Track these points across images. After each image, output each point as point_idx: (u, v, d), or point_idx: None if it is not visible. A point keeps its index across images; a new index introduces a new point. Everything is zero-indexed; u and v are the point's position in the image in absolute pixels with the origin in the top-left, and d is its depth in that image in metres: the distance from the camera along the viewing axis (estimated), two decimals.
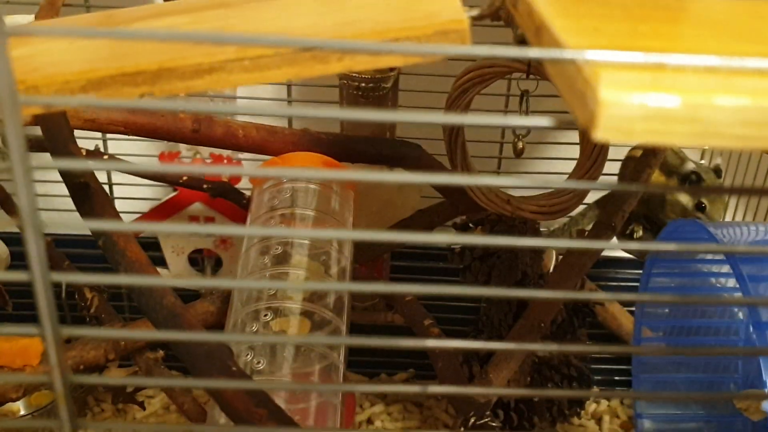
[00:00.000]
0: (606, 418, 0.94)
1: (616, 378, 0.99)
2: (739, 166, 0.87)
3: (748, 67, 0.21)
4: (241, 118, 0.75)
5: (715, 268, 0.79)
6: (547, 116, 0.22)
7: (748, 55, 0.22)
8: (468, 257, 0.70)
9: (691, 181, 0.77)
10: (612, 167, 0.77)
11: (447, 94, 0.69)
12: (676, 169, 0.78)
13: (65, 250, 0.80)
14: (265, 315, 0.56)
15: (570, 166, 0.71)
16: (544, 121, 0.21)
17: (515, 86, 0.73)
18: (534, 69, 0.63)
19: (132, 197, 0.89)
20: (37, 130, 0.58)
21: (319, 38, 0.24)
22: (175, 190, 0.85)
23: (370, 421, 0.93)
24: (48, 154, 0.56)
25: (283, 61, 0.30)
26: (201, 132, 0.64)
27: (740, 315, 0.78)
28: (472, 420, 0.51)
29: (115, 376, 0.65)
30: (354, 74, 0.76)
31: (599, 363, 0.96)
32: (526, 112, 0.67)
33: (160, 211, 0.85)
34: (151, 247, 0.88)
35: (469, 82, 0.66)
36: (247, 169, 0.51)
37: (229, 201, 0.80)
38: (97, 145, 0.80)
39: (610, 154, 0.68)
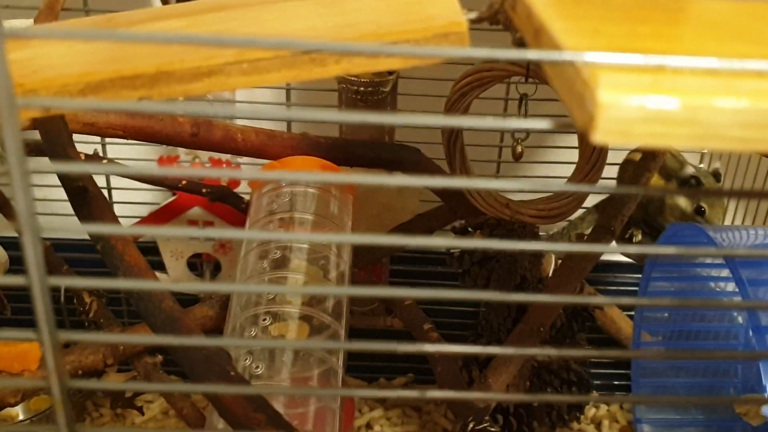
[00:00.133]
0: (605, 422, 0.94)
1: (616, 383, 0.99)
2: (738, 169, 0.87)
3: (747, 69, 0.21)
4: (239, 122, 0.75)
5: (714, 272, 0.79)
6: (545, 119, 0.21)
7: (748, 56, 0.22)
8: (467, 261, 0.70)
9: (690, 185, 0.77)
10: (610, 171, 0.77)
11: (446, 98, 0.69)
12: (675, 173, 0.78)
13: (64, 255, 0.80)
14: (264, 319, 0.56)
15: (569, 170, 0.71)
16: (543, 123, 0.21)
17: (514, 90, 0.73)
18: (533, 72, 0.63)
19: (131, 202, 0.89)
20: (36, 134, 0.58)
21: (317, 41, 0.24)
22: (174, 194, 0.85)
23: (369, 425, 0.93)
24: (46, 158, 0.56)
25: (281, 63, 0.30)
26: (200, 136, 0.64)
27: (740, 319, 0.78)
28: (471, 425, 0.51)
29: (114, 381, 0.65)
30: (353, 78, 0.76)
31: (599, 367, 0.96)
32: (525, 116, 0.68)
33: (159, 216, 0.85)
34: (150, 251, 0.88)
35: (468, 86, 0.66)
36: (245, 172, 0.51)
37: (228, 205, 0.80)
38: (96, 149, 0.80)
39: (609, 158, 0.68)
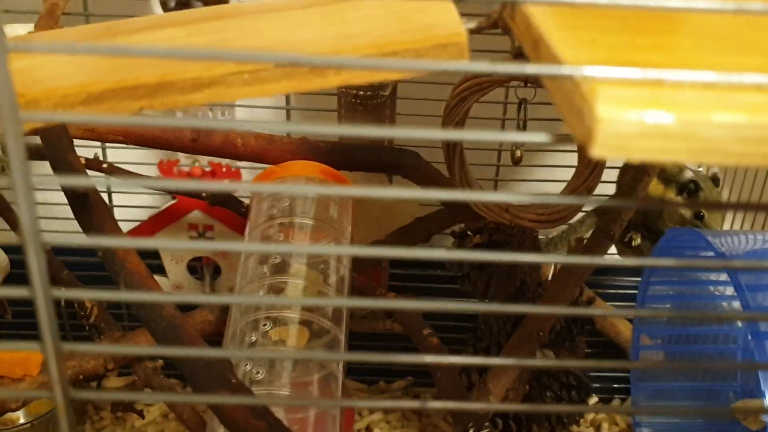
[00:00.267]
0: (605, 425, 0.94)
1: (615, 385, 0.99)
2: (736, 174, 0.87)
3: (745, 83, 0.21)
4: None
5: (713, 276, 0.79)
6: (544, 132, 0.22)
7: (746, 67, 0.22)
8: (466, 265, 0.70)
9: (689, 189, 0.77)
10: (609, 174, 0.77)
11: (445, 101, 0.69)
12: (674, 177, 0.79)
13: (63, 258, 0.80)
14: (264, 324, 0.56)
15: (568, 174, 0.71)
16: (542, 137, 0.21)
17: (513, 94, 0.73)
18: (532, 77, 0.63)
19: (131, 205, 0.89)
20: (36, 139, 0.58)
21: (315, 56, 0.24)
22: (173, 197, 0.85)
23: (368, 429, 0.93)
24: (47, 163, 0.56)
25: (282, 74, 0.30)
26: (200, 141, 0.64)
27: (738, 323, 0.78)
28: (471, 431, 0.51)
29: (114, 385, 0.65)
30: None
31: (596, 370, 0.96)
32: (524, 121, 0.68)
33: (159, 220, 0.85)
34: (150, 254, 0.89)
35: (467, 91, 0.67)
36: (244, 185, 0.51)
37: (227, 209, 0.80)
38: (96, 154, 0.81)
39: (608, 162, 0.68)
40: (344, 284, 0.63)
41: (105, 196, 0.89)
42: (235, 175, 0.85)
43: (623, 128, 0.20)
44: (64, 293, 0.24)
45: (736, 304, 0.77)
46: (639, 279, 0.80)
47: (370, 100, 0.78)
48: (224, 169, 0.84)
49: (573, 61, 0.23)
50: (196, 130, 0.63)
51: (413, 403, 0.25)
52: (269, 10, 0.39)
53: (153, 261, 0.86)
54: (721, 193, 0.83)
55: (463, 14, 0.32)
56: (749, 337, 0.74)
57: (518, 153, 0.68)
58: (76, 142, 0.58)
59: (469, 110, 0.68)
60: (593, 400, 0.98)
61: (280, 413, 0.48)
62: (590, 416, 0.95)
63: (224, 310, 0.66)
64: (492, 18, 0.31)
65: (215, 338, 0.61)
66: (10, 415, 0.86)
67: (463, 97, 0.66)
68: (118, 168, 0.77)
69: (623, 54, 0.26)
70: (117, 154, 0.87)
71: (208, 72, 0.30)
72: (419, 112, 0.83)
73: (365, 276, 0.78)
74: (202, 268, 0.90)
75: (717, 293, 0.79)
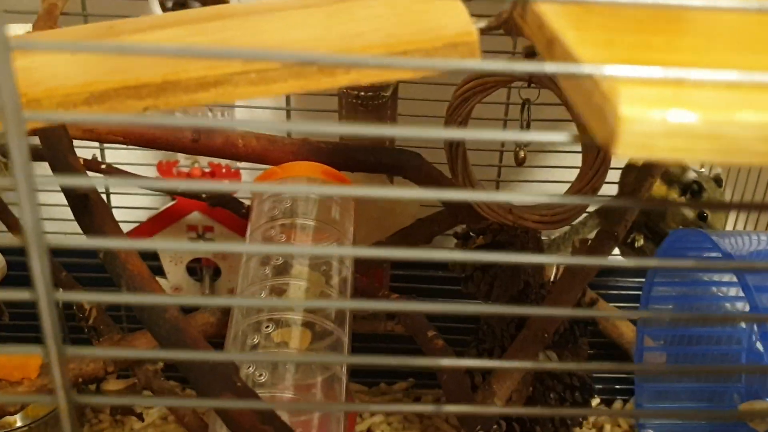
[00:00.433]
0: (607, 427, 0.94)
1: (617, 386, 0.98)
2: (740, 174, 0.87)
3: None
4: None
5: (716, 277, 0.79)
6: (562, 132, 0.21)
7: (765, 66, 0.22)
8: (469, 267, 0.70)
9: (693, 190, 0.77)
10: (613, 175, 0.76)
11: (447, 102, 0.69)
12: (677, 178, 0.78)
13: (60, 260, 0.79)
14: (267, 327, 0.55)
15: (570, 175, 0.71)
16: (561, 136, 0.21)
17: (515, 94, 0.73)
18: (535, 78, 0.63)
19: (130, 206, 0.89)
20: (34, 140, 0.57)
21: (326, 53, 0.24)
22: (172, 199, 0.84)
23: (369, 431, 0.93)
24: (45, 164, 0.55)
25: (289, 74, 0.30)
26: (200, 142, 0.64)
27: (742, 324, 0.78)
28: None
29: (114, 388, 0.65)
30: None
31: (600, 371, 0.95)
32: (528, 121, 0.67)
33: (158, 221, 0.84)
34: (149, 256, 0.88)
35: (470, 91, 0.66)
36: (245, 185, 0.51)
37: (227, 210, 0.80)
38: (94, 154, 0.80)
39: (611, 162, 0.68)
40: (347, 286, 0.62)
41: (103, 198, 0.88)
42: (235, 176, 0.84)
43: (647, 128, 0.20)
44: (66, 296, 0.23)
45: (740, 305, 0.76)
46: (642, 280, 0.80)
47: (372, 101, 0.78)
48: (224, 170, 0.83)
49: (591, 60, 0.23)
50: (197, 130, 0.62)
51: (428, 407, 0.25)
52: (270, 10, 0.38)
53: (152, 262, 0.85)
54: (724, 194, 0.82)
55: (472, 14, 0.31)
56: (755, 339, 0.74)
57: (522, 154, 0.67)
58: (74, 143, 0.57)
59: (471, 111, 0.67)
60: (595, 401, 0.98)
61: (283, 415, 0.48)
62: (593, 417, 0.94)
63: (225, 312, 0.65)
64: (502, 17, 0.31)
65: (216, 340, 0.61)
66: (8, 418, 0.85)
67: (466, 98, 0.66)
68: (117, 169, 0.76)
69: (640, 54, 0.25)
70: (115, 156, 0.86)
71: (214, 71, 0.30)
72: (420, 113, 0.83)
73: (367, 277, 0.78)
74: (201, 270, 0.89)
75: (720, 294, 0.79)
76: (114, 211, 0.86)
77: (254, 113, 0.87)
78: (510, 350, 0.65)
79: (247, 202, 0.79)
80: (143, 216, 0.88)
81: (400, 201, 0.82)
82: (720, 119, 0.20)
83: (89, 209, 0.45)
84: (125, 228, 0.85)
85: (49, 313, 0.23)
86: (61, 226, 0.85)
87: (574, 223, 0.80)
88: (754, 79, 0.21)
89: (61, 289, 0.70)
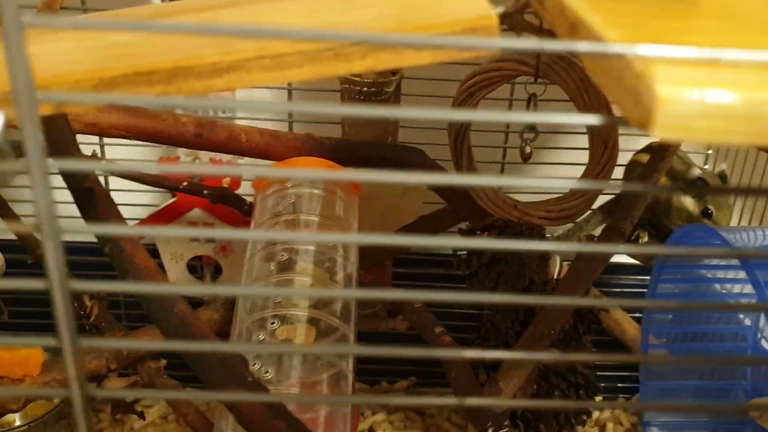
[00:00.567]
0: (609, 425, 0.93)
1: (620, 385, 0.98)
2: (744, 171, 0.87)
3: None
4: (242, 123, 0.74)
5: (720, 274, 0.78)
6: (595, 115, 0.20)
7: None
8: (475, 263, 0.69)
9: (698, 186, 0.76)
10: (616, 172, 0.76)
11: (450, 98, 0.68)
12: (681, 174, 0.78)
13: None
14: (273, 323, 0.55)
15: (574, 172, 0.70)
16: (593, 119, 0.20)
17: (517, 92, 0.72)
18: (542, 72, 0.62)
19: (130, 203, 0.88)
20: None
21: (361, 32, 0.23)
22: (173, 195, 0.83)
23: (371, 430, 0.92)
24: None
25: (305, 59, 0.29)
26: (203, 136, 0.63)
27: (747, 321, 0.78)
28: (491, 431, 0.50)
29: (115, 386, 0.64)
30: (356, 78, 0.75)
31: (603, 370, 0.95)
32: None
33: (159, 218, 0.84)
34: (150, 254, 0.87)
35: (476, 86, 0.66)
36: (253, 169, 0.50)
37: (229, 207, 0.79)
38: (94, 150, 0.79)
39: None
40: (352, 282, 0.62)
41: None
42: None
43: (685, 108, 0.19)
44: (81, 285, 0.22)
45: (744, 302, 0.76)
46: (646, 278, 0.79)
47: (374, 97, 0.77)
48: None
49: (620, 42, 0.22)
50: (200, 125, 0.61)
51: (451, 401, 0.24)
52: None
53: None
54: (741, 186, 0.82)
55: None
56: (760, 336, 0.73)
57: (528, 149, 0.66)
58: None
59: (477, 106, 0.67)
60: (598, 399, 0.97)
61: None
62: (595, 415, 0.94)
63: (229, 308, 0.64)
64: (520, 3, 0.30)
65: (220, 337, 0.60)
66: (6, 417, 0.84)
67: (471, 93, 0.65)
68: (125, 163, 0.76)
69: (668, 36, 0.25)
70: (115, 151, 0.85)
71: (228, 57, 0.29)
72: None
73: (369, 274, 0.77)
74: (202, 268, 0.88)
75: (724, 291, 0.78)
76: None
77: (256, 107, 0.86)
78: (517, 347, 0.65)
79: (249, 199, 0.78)
80: (143, 213, 0.87)
81: (402, 198, 0.82)
82: (759, 99, 0.19)
83: (94, 203, 0.44)
84: None
85: (63, 302, 0.23)
86: (63, 225, 0.84)
87: (577, 220, 0.79)
88: None
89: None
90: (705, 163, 0.89)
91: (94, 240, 0.66)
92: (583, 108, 0.58)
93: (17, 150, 0.67)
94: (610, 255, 0.70)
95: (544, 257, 0.71)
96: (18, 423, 0.85)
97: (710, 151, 0.89)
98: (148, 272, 0.44)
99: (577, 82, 0.60)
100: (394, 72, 0.76)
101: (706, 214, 0.76)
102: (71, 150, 0.50)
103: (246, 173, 0.72)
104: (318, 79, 0.29)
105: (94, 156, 0.76)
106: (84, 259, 0.83)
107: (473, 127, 0.70)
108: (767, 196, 0.70)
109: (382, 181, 0.24)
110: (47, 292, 0.23)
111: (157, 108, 0.56)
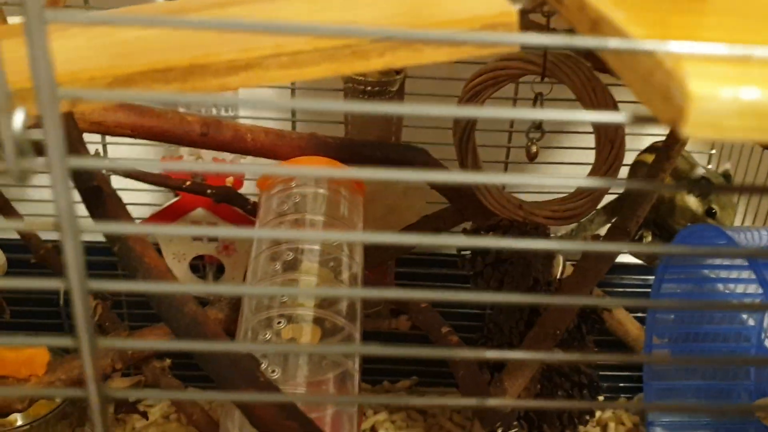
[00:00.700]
0: (611, 425, 0.93)
1: (621, 385, 0.98)
2: (748, 171, 0.87)
3: None
4: (245, 122, 0.73)
5: (723, 274, 0.78)
6: (621, 112, 0.20)
7: None
8: (480, 263, 0.69)
9: (702, 186, 0.76)
10: (621, 173, 0.76)
11: (453, 97, 0.68)
12: (685, 174, 0.78)
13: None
14: (279, 322, 0.54)
15: (579, 171, 0.70)
16: (620, 116, 0.20)
17: (522, 92, 0.72)
18: (549, 71, 0.62)
19: (133, 203, 0.87)
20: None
21: (386, 29, 0.23)
22: (176, 195, 0.83)
23: (373, 429, 0.92)
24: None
25: (321, 57, 0.29)
26: (209, 136, 0.63)
27: (750, 322, 0.77)
28: (500, 431, 0.50)
29: (120, 386, 0.64)
30: (360, 77, 0.75)
31: (605, 369, 0.95)
32: None
33: (162, 217, 0.83)
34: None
35: (481, 85, 0.65)
36: (255, 167, 0.50)
37: (232, 206, 0.79)
38: (97, 150, 0.79)
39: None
40: (357, 282, 0.61)
41: None
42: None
43: (717, 106, 0.19)
44: (100, 284, 0.22)
45: (748, 302, 0.76)
46: (649, 277, 0.79)
47: (378, 96, 0.77)
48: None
49: (646, 39, 0.22)
50: (206, 124, 0.61)
51: (470, 401, 0.24)
52: None
53: None
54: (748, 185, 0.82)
55: None
56: (763, 336, 0.73)
57: (534, 149, 0.66)
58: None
59: (482, 105, 0.67)
60: (600, 399, 0.97)
61: None
62: (597, 416, 0.94)
63: (234, 308, 0.64)
64: (537, 0, 0.30)
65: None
66: (9, 417, 0.84)
67: (477, 92, 0.65)
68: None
69: (694, 33, 0.24)
70: (117, 151, 0.85)
71: (244, 54, 0.29)
72: None
73: (374, 274, 0.77)
74: (204, 267, 0.88)
75: (727, 291, 0.78)
76: None
77: (259, 111, 0.86)
78: (522, 347, 0.65)
79: (253, 199, 0.78)
80: (146, 213, 0.87)
81: (405, 198, 0.82)
82: None
83: (102, 201, 0.44)
84: None
85: (82, 301, 0.22)
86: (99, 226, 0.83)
87: (581, 220, 0.79)
88: None
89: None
90: (708, 163, 0.89)
91: (97, 239, 0.66)
92: (590, 106, 0.58)
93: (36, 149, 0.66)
94: (616, 255, 0.70)
95: (549, 257, 0.71)
96: (20, 422, 0.85)
97: (714, 151, 0.89)
98: (158, 272, 0.44)
99: (584, 80, 0.60)
100: (398, 71, 0.76)
101: (710, 213, 0.76)
102: (79, 149, 0.49)
103: (250, 171, 0.72)
104: (324, 77, 0.29)
105: (96, 155, 0.75)
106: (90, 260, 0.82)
107: (476, 126, 0.70)
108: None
109: (387, 179, 0.24)
110: (57, 292, 0.23)
111: (166, 106, 0.56)
